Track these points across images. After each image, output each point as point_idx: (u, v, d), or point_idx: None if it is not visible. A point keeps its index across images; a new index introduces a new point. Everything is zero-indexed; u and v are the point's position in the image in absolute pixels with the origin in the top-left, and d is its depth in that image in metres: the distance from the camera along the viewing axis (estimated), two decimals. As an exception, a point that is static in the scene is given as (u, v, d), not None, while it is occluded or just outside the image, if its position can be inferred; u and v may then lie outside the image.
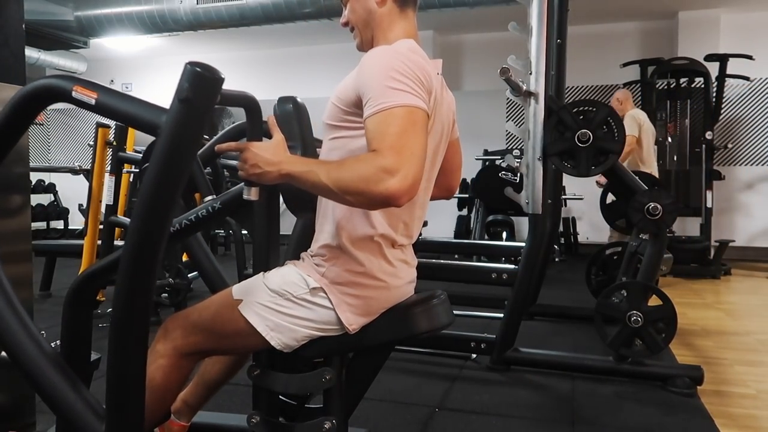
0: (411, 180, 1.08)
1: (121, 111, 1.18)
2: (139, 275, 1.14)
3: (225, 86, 1.13)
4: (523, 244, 2.89)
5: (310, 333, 1.29)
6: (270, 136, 1.31)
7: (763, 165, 6.92)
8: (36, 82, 1.27)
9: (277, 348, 1.29)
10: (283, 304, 1.29)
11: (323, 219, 1.35)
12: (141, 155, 3.55)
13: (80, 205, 7.55)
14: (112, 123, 4.32)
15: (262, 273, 1.37)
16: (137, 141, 4.26)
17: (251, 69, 8.75)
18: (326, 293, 1.28)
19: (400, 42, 1.31)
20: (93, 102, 1.17)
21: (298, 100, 1.47)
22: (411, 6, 1.40)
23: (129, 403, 1.20)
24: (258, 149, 1.23)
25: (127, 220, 3.79)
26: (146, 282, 1.15)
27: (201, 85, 1.07)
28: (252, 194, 1.30)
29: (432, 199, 1.53)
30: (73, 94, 1.19)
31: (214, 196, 1.63)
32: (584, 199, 6.48)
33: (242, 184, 1.36)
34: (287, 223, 1.56)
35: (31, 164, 1.86)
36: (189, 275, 3.96)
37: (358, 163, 1.12)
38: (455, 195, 6.92)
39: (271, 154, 1.22)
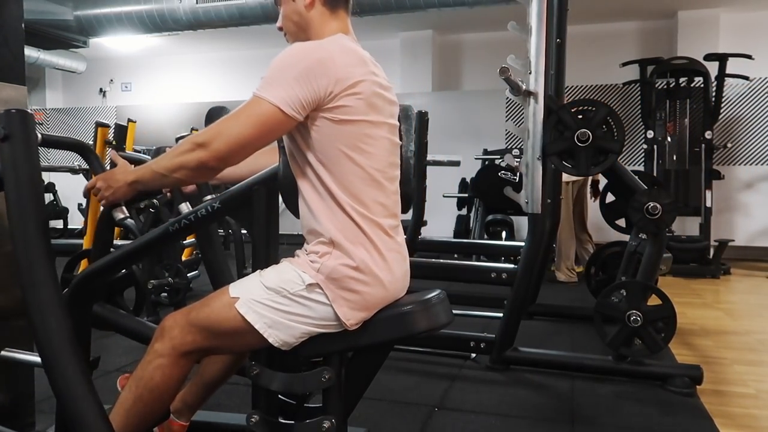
0: (217, 152, 1.24)
1: None
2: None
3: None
4: (523, 244, 2.89)
5: (308, 330, 1.29)
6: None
7: (762, 164, 6.92)
8: None
9: (275, 345, 1.29)
10: (279, 301, 1.29)
11: (307, 220, 1.35)
12: (141, 154, 3.55)
13: (79, 205, 7.55)
14: (111, 122, 4.32)
15: (258, 271, 1.38)
16: (137, 140, 4.26)
17: (251, 68, 8.74)
18: (322, 289, 1.28)
19: (330, 37, 1.35)
20: None
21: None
22: (342, 7, 1.43)
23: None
24: (104, 175, 1.44)
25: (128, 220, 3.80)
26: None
27: (15, 121, 1.23)
28: (120, 214, 1.52)
29: None
30: None
31: (213, 196, 1.63)
32: (584, 198, 6.48)
33: (239, 184, 1.46)
34: (288, 222, 1.56)
35: (31, 163, 1.87)
36: (188, 275, 3.96)
37: (179, 145, 1.30)
38: (455, 195, 6.92)
39: (116, 173, 1.42)
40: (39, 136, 1.38)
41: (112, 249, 1.72)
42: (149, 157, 4.20)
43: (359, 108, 1.28)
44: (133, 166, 1.45)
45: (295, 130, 1.32)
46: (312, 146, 1.30)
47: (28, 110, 1.30)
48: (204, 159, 1.25)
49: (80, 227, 5.76)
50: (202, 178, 1.36)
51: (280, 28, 1.47)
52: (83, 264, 4.02)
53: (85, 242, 4.08)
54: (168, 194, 2.98)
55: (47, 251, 1.34)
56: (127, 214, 1.52)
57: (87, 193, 1.52)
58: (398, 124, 1.44)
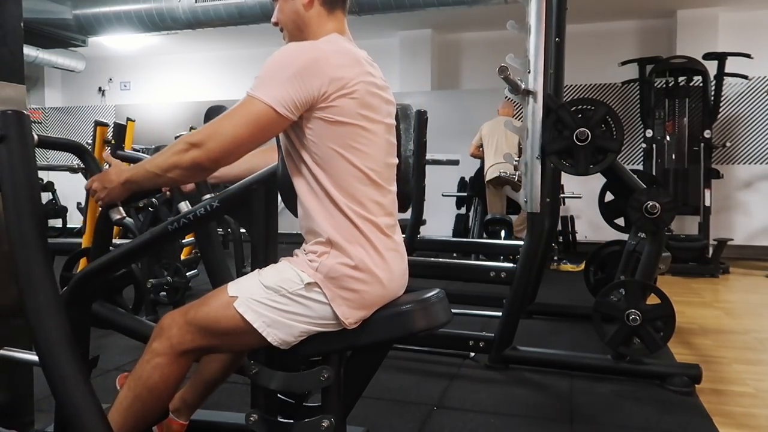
0: (210, 153, 1.25)
1: None
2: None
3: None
4: (521, 243, 2.89)
5: (306, 328, 1.29)
6: None
7: (761, 163, 6.92)
8: None
9: (274, 344, 1.29)
10: (278, 300, 1.29)
11: (305, 220, 1.35)
12: (141, 153, 3.55)
13: (78, 204, 7.54)
14: (110, 121, 4.32)
15: (257, 270, 1.38)
16: (136, 139, 4.26)
17: (250, 68, 8.73)
18: (321, 288, 1.28)
19: (325, 37, 1.35)
20: None
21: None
22: (340, 7, 1.42)
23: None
24: (99, 176, 1.44)
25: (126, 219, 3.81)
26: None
27: (11, 122, 1.25)
28: (117, 214, 1.51)
29: None
30: None
31: (212, 195, 1.63)
32: (583, 197, 6.48)
33: (238, 183, 1.47)
34: (286, 221, 1.56)
35: (29, 163, 1.87)
36: (187, 273, 3.96)
37: (173, 145, 1.31)
38: (454, 194, 6.91)
39: (110, 174, 1.41)
40: (36, 137, 1.41)
41: (111, 248, 1.71)
42: (149, 156, 4.21)
43: (353, 108, 1.28)
44: (128, 165, 1.46)
45: (290, 129, 1.32)
46: (307, 146, 1.30)
47: (25, 111, 1.32)
48: (198, 159, 1.25)
49: (79, 226, 5.75)
50: (195, 177, 1.37)
51: (276, 23, 1.46)
52: (82, 263, 4.02)
53: (84, 241, 4.07)
54: (167, 193, 2.99)
55: (45, 252, 1.34)
56: (124, 215, 1.52)
57: (88, 194, 1.54)
58: (395, 123, 1.44)
